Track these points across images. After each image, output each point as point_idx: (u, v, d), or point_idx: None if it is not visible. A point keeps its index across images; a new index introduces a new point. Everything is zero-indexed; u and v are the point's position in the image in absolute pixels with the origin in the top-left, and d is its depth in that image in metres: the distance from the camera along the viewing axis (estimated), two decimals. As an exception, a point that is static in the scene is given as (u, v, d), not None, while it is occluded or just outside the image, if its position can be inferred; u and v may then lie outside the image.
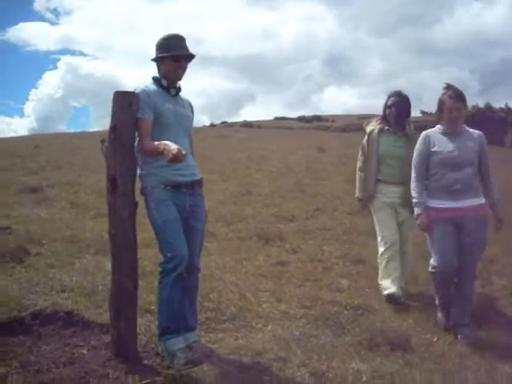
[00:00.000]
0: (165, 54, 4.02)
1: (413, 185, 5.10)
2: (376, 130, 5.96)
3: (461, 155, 4.86)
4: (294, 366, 3.91)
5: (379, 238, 5.90)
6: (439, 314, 5.09)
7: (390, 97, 5.94)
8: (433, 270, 4.93)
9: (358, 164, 6.12)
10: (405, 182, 5.53)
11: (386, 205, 5.86)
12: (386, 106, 5.93)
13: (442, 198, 4.91)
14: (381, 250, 5.83)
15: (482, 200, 4.92)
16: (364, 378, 3.74)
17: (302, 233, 8.69)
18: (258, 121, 64.57)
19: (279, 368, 3.90)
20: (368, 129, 6.09)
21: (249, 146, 24.97)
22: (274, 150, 22.68)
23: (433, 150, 4.97)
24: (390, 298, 5.53)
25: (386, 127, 5.95)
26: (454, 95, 4.89)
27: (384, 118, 6.00)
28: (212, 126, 62.36)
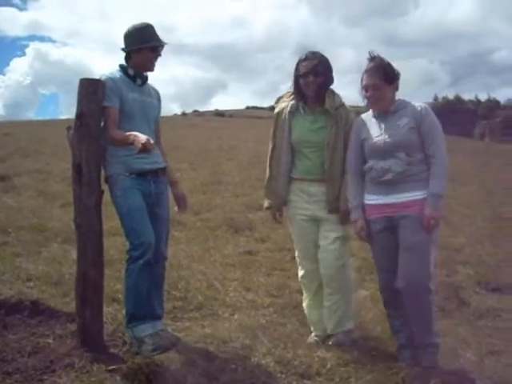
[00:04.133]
0: (145, 45, 3.95)
1: (349, 188, 4.09)
2: (288, 109, 4.33)
3: (388, 138, 3.84)
4: (259, 354, 3.92)
5: (297, 260, 4.56)
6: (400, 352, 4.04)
7: (301, 61, 4.23)
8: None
9: (268, 161, 4.50)
10: (330, 179, 4.18)
11: (303, 216, 4.36)
12: (299, 75, 4.22)
13: (372, 192, 3.96)
14: (299, 274, 4.52)
15: (424, 194, 3.79)
16: (329, 366, 3.77)
17: (272, 222, 8.70)
18: (230, 110, 64.54)
19: (245, 356, 3.91)
20: (277, 108, 4.47)
21: (220, 135, 24.94)
22: (245, 140, 22.72)
23: (361, 138, 3.99)
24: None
25: (301, 104, 4.31)
26: (369, 69, 3.90)
27: (297, 92, 4.32)
28: (183, 114, 62.15)
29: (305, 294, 4.52)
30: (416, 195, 3.79)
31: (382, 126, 3.91)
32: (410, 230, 3.79)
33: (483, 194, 12.30)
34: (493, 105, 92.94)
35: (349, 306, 4.38)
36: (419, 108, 3.88)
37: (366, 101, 4.00)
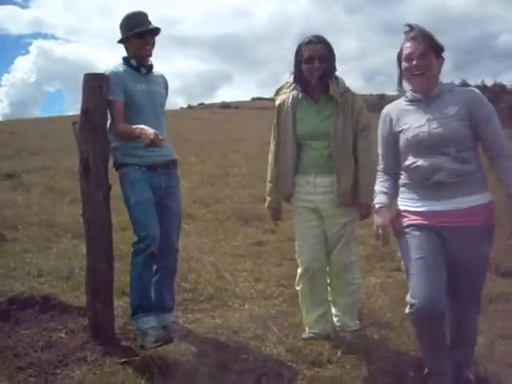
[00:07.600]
0: (129, 33, 3.95)
1: (379, 186, 3.35)
2: (289, 100, 3.99)
3: (436, 129, 3.04)
4: (270, 344, 3.94)
5: (297, 256, 4.35)
6: None
7: (304, 44, 3.87)
8: (410, 311, 3.04)
9: (270, 157, 4.28)
10: (339, 170, 3.87)
11: (306, 207, 4.08)
12: (302, 60, 3.85)
13: (417, 197, 3.14)
14: (298, 272, 4.31)
15: (484, 198, 3.10)
16: (339, 353, 3.78)
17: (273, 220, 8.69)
18: (236, 101, 64.52)
19: (256, 346, 3.93)
20: (278, 100, 4.10)
21: (226, 127, 24.92)
22: (252, 131, 22.70)
23: (397, 129, 3.22)
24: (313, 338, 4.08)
25: (301, 94, 3.99)
26: (415, 36, 3.11)
27: (299, 80, 3.98)
28: (189, 107, 62.16)
29: (300, 288, 4.29)
30: (475, 200, 3.06)
31: (426, 113, 3.12)
32: (467, 243, 3.06)
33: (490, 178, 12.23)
34: (499, 89, 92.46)
35: (355, 305, 4.21)
36: (471, 95, 3.12)
37: (406, 77, 3.18)
